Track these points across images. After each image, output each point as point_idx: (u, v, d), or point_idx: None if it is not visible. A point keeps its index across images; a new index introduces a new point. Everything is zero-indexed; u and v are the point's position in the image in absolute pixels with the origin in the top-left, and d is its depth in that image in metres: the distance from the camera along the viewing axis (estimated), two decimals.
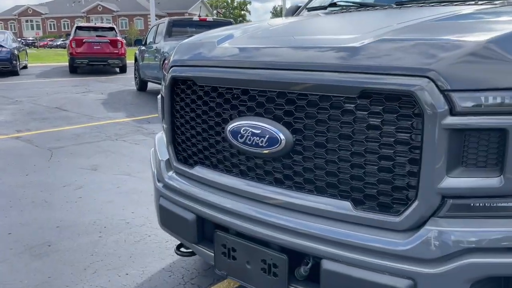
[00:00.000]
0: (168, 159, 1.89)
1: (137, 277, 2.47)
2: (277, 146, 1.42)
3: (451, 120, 1.17)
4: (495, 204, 1.22)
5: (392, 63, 1.25)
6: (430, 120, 1.18)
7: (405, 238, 1.25)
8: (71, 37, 15.59)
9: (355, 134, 1.31)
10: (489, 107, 1.16)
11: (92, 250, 2.78)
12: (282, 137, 1.41)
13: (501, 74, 1.17)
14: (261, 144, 1.45)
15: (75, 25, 16.39)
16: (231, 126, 1.53)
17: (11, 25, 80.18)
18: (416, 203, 1.24)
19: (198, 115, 1.70)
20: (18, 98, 9.71)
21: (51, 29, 79.52)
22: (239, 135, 1.50)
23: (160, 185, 1.90)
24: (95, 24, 18.88)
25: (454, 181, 1.21)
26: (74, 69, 15.72)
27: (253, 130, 1.47)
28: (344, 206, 1.35)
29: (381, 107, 1.26)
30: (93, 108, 8.52)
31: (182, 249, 1.92)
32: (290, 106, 1.41)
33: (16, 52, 15.04)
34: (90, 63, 15.50)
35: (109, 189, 3.91)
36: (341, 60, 1.33)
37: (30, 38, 66.53)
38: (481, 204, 1.22)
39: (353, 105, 1.30)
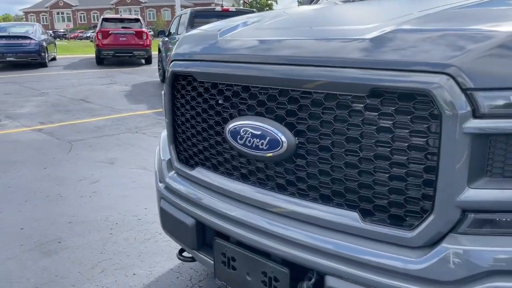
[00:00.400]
0: (170, 159, 1.79)
1: (144, 278, 2.40)
2: (279, 149, 1.29)
3: (474, 123, 1.01)
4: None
5: (406, 57, 1.09)
6: (449, 123, 1.02)
7: (419, 256, 1.10)
8: (97, 29, 15.74)
9: (364, 137, 1.17)
10: None
11: (102, 248, 2.73)
12: (284, 139, 1.28)
13: None
14: (261, 147, 1.33)
15: (102, 17, 16.53)
16: (231, 126, 1.41)
17: (43, 17, 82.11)
18: (432, 216, 1.09)
19: (198, 113, 1.59)
20: (45, 89, 9.85)
21: (81, 21, 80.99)
22: (239, 136, 1.38)
23: (161, 186, 1.81)
24: (121, 15, 18.98)
25: (477, 193, 1.05)
26: (101, 60, 15.88)
27: (253, 131, 1.34)
28: (351, 217, 1.21)
29: (393, 108, 1.11)
30: (116, 100, 8.54)
31: (184, 254, 1.82)
32: (293, 105, 1.27)
33: (44, 44, 15.29)
34: (116, 54, 15.62)
35: (124, 184, 3.86)
36: (349, 54, 1.18)
37: (61, 30, 67.87)
38: (508, 220, 1.06)
39: (362, 105, 1.15)
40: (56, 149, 4.99)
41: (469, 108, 1.02)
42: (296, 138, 1.28)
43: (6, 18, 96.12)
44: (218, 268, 1.53)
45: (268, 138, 1.31)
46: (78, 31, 66.78)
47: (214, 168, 1.58)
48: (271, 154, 1.31)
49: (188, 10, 9.86)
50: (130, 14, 49.00)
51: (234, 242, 1.47)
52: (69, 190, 3.72)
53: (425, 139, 1.08)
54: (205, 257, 1.62)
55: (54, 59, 18.04)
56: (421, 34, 1.14)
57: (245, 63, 1.38)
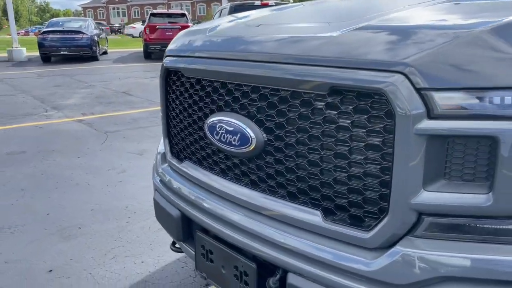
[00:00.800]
0: (164, 152, 1.84)
1: (151, 266, 2.49)
2: (248, 146, 1.31)
3: (428, 124, 0.98)
4: (481, 226, 1.01)
5: (363, 56, 1.07)
6: (402, 123, 1.00)
7: (374, 257, 1.08)
8: (145, 24, 16.22)
9: (325, 136, 1.16)
10: (476, 110, 0.96)
11: (117, 235, 2.85)
12: (253, 136, 1.29)
13: (493, 71, 0.96)
14: (234, 143, 1.35)
15: (150, 12, 17.01)
16: (209, 121, 1.44)
17: (99, 12, 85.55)
18: (387, 218, 1.06)
19: (185, 108, 1.63)
20: (92, 82, 10.30)
21: (135, 15, 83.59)
22: (215, 131, 1.41)
23: (156, 178, 1.87)
24: (167, 10, 19.44)
25: (433, 196, 1.02)
26: (148, 54, 16.36)
27: (227, 127, 1.36)
28: (314, 216, 1.20)
29: (352, 107, 1.09)
30: (156, 93, 8.75)
31: (177, 245, 1.88)
32: (263, 102, 1.28)
33: (96, 38, 15.96)
34: (162, 49, 16.00)
35: (149, 174, 3.97)
36: (312, 52, 1.17)
37: (116, 25, 70.39)
38: (466, 225, 1.03)
39: (323, 103, 1.15)
40: (92, 140, 5.22)
41: (423, 109, 0.99)
42: (265, 135, 1.29)
43: (66, 13, 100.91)
44: (198, 260, 1.57)
45: (239, 134, 1.32)
46: (131, 25, 68.95)
47: (199, 163, 1.62)
48: (242, 150, 1.33)
49: (228, 4, 9.95)
50: (181, 9, 50.02)
51: (212, 235, 1.50)
52: (97, 179, 3.90)
53: (381, 139, 1.06)
54: (189, 249, 1.66)
55: (105, 53, 18.77)
56: (380, 33, 1.11)
57: (221, 60, 1.40)
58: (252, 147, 1.30)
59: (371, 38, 1.11)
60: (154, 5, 75.10)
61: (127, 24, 68.21)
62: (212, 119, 1.42)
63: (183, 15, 16.87)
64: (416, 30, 1.07)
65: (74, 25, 16.22)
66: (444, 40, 1.00)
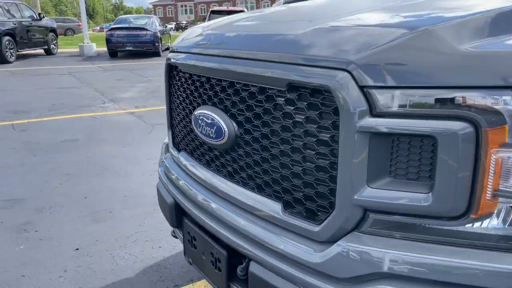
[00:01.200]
0: (168, 143, 1.95)
1: (167, 251, 2.62)
2: (222, 138, 1.37)
3: (370, 121, 1.00)
4: (422, 226, 1.01)
5: (316, 54, 1.10)
6: (346, 120, 1.02)
7: (321, 250, 1.11)
8: (206, 21, 16.64)
9: (284, 131, 1.20)
10: (414, 109, 0.96)
11: (142, 221, 3.02)
12: (226, 129, 1.35)
13: (432, 70, 0.95)
14: (211, 135, 1.42)
15: (210, 10, 17.42)
16: (194, 114, 1.52)
17: (168, 10, 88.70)
18: (334, 212, 1.09)
19: (180, 102, 1.72)
20: (151, 77, 10.78)
21: (201, 13, 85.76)
22: (198, 124, 1.49)
23: (159, 168, 1.98)
24: (227, 8, 19.80)
25: (377, 193, 1.03)
26: None
27: (206, 120, 1.43)
28: (275, 208, 1.25)
29: (306, 103, 1.13)
30: None
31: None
32: (235, 97, 1.34)
33: (159, 35, 16.62)
34: None
35: None
36: (273, 49, 1.21)
37: (183, 22, 72.66)
38: (408, 224, 1.03)
39: (283, 99, 1.18)
40: (139, 131, 5.51)
41: (366, 106, 1.00)
42: (236, 128, 1.34)
43: (137, 11, 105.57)
44: (185, 245, 1.66)
45: (215, 127, 1.39)
46: (198, 22, 70.77)
47: (190, 154, 1.70)
48: (217, 143, 1.40)
49: (282, 1, 9.98)
50: (246, 6, 50.58)
51: (195, 223, 1.58)
52: (136, 167, 4.13)
53: (329, 135, 1.08)
54: (181, 235, 1.76)
55: (167, 49, 19.50)
56: (333, 32, 1.14)
57: (204, 56, 1.48)
58: (225, 140, 1.36)
59: (325, 37, 1.13)
60: (220, 3, 76.61)
61: (193, 21, 70.17)
62: (197, 112, 1.50)
63: (242, 12, 17.08)
64: (364, 31, 1.08)
65: (139, 22, 17.00)
66: (386, 40, 1.00)
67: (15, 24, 14.14)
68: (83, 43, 17.01)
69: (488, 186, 0.94)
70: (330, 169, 1.10)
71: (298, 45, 1.16)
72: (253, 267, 1.27)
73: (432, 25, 0.99)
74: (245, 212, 1.35)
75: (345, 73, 1.02)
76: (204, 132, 1.46)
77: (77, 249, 2.67)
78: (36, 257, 2.58)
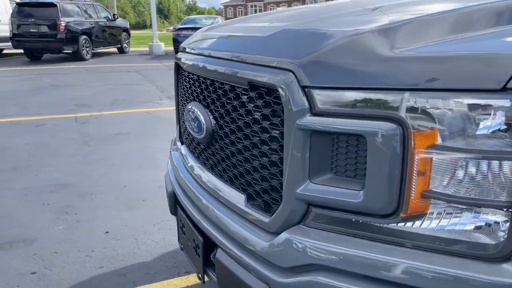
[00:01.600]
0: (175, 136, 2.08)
1: None
2: (202, 133, 1.47)
3: (310, 120, 1.05)
4: (357, 222, 1.04)
5: (269, 54, 1.16)
6: (289, 118, 1.08)
7: (269, 240, 1.17)
8: None
9: (247, 127, 1.27)
10: (348, 109, 1.00)
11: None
12: (204, 123, 1.45)
13: (365, 73, 0.98)
14: (195, 129, 1.52)
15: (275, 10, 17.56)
16: (187, 109, 1.63)
17: (239, 10, 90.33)
18: (281, 205, 1.15)
19: (181, 98, 1.84)
20: None
21: None
22: (187, 118, 1.60)
23: (168, 159, 2.12)
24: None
25: (319, 188, 1.08)
26: None
27: (191, 115, 1.54)
28: (240, 200, 1.33)
29: (262, 101, 1.19)
30: None
31: None
32: (213, 94, 1.43)
33: None
34: None
35: None
36: (240, 50, 1.29)
37: None
38: (345, 219, 1.06)
39: (246, 97, 1.26)
40: None
41: (306, 105, 1.05)
42: (213, 124, 1.44)
43: (209, 11, 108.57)
44: (178, 232, 1.78)
45: (197, 122, 1.49)
46: None
47: (187, 146, 1.82)
48: (199, 136, 1.50)
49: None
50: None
51: (184, 211, 1.69)
52: None
53: (279, 132, 1.15)
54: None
55: None
56: (288, 35, 1.19)
57: (195, 55, 1.59)
58: (204, 134, 1.46)
59: (278, 40, 1.19)
60: (289, 3, 76.70)
61: None
62: (187, 107, 1.61)
63: None
64: (308, 35, 1.13)
65: (205, 22, 17.56)
66: (323, 45, 1.05)
67: (92, 24, 15.20)
68: (152, 42, 17.88)
69: (415, 186, 0.96)
70: (280, 164, 1.16)
71: (257, 47, 1.23)
72: (219, 254, 1.36)
73: (363, 31, 1.02)
74: (218, 202, 1.44)
75: (290, 74, 1.07)
76: (190, 126, 1.57)
77: (107, 232, 2.89)
78: (71, 237, 2.84)
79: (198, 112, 1.48)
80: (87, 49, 14.85)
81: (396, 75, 0.95)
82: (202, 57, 1.52)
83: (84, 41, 14.59)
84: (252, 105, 1.23)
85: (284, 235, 1.13)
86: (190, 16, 19.36)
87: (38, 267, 2.49)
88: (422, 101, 0.93)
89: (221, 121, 1.39)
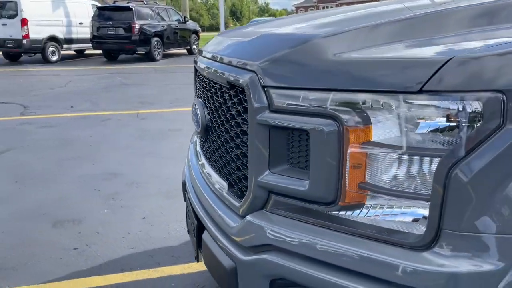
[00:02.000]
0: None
1: None
2: (199, 126, 1.64)
3: (268, 116, 1.18)
4: (306, 208, 1.16)
5: (243, 57, 1.31)
6: (252, 114, 1.22)
7: (238, 223, 1.32)
8: None
9: (226, 122, 1.42)
10: (297, 106, 1.12)
11: None
12: (200, 117, 1.62)
13: (310, 74, 1.10)
14: (195, 123, 1.70)
15: None
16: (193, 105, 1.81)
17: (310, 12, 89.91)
18: (247, 192, 1.29)
19: (195, 96, 2.03)
20: None
21: None
22: (192, 113, 1.77)
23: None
24: None
25: (277, 178, 1.21)
26: None
27: (194, 110, 1.71)
28: (224, 187, 1.48)
29: (236, 99, 1.34)
30: None
31: None
32: (208, 92, 1.60)
33: None
34: None
35: None
36: (226, 53, 1.44)
37: None
38: (296, 206, 1.18)
39: (227, 95, 1.41)
40: None
41: (265, 103, 1.19)
42: (207, 119, 1.60)
43: (280, 13, 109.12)
44: (186, 216, 1.97)
45: (196, 117, 1.67)
46: None
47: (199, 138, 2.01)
48: (198, 130, 1.67)
49: None
50: None
51: (188, 197, 1.88)
52: None
53: (247, 126, 1.28)
54: None
55: None
56: (262, 39, 1.32)
57: (202, 57, 1.76)
58: (200, 127, 1.63)
59: (256, 43, 1.33)
60: (361, 3, 74.92)
61: None
62: (193, 103, 1.79)
63: None
64: (273, 40, 1.26)
65: None
66: (279, 49, 1.18)
67: (164, 26, 16.03)
68: None
69: (350, 178, 1.06)
70: (248, 155, 1.30)
71: (240, 50, 1.38)
72: (205, 235, 1.52)
73: (310, 38, 1.13)
74: (210, 190, 1.60)
75: (253, 74, 1.21)
76: (193, 120, 1.74)
77: (144, 218, 3.17)
78: (113, 220, 3.15)
79: (198, 108, 1.66)
80: (159, 50, 15.68)
81: (333, 77, 1.06)
82: (204, 59, 1.69)
83: (156, 42, 15.43)
84: (230, 102, 1.38)
85: (248, 218, 1.27)
86: (256, 18, 19.76)
87: (80, 244, 2.80)
88: (356, 100, 1.03)
89: (211, 117, 1.55)
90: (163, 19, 16.38)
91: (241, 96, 1.31)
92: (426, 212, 0.98)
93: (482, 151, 0.91)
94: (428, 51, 1.01)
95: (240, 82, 1.26)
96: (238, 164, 1.38)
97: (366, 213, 1.08)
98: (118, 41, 14.97)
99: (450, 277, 0.94)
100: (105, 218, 3.19)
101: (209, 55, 1.63)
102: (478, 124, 0.91)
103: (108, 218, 3.18)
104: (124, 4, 15.16)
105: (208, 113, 1.59)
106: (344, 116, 1.04)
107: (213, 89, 1.55)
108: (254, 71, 1.21)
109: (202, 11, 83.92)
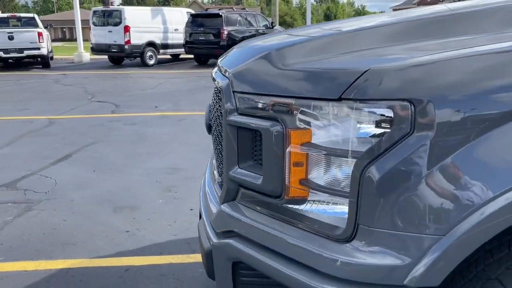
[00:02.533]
0: None
1: None
2: (209, 128, 1.84)
3: (235, 117, 1.35)
4: (261, 201, 1.31)
5: (225, 65, 1.49)
6: (225, 116, 1.39)
7: (216, 211, 1.49)
8: None
9: (216, 121, 1.61)
10: (254, 110, 1.28)
11: None
12: (206, 119, 1.82)
13: (265, 82, 1.25)
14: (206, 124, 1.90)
15: None
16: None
17: None
18: (223, 184, 1.46)
19: None
20: None
21: None
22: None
23: None
24: None
25: (243, 173, 1.37)
26: None
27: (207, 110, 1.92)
28: (217, 180, 1.67)
29: (220, 101, 1.52)
30: None
31: None
32: (215, 95, 1.79)
33: None
34: None
35: None
36: (225, 62, 1.62)
37: None
38: (256, 198, 1.33)
39: (220, 97, 1.59)
40: None
41: (234, 106, 1.36)
42: (209, 118, 1.80)
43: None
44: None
45: (205, 116, 1.87)
46: None
47: None
48: (207, 130, 1.88)
49: None
50: None
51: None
52: None
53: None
54: None
55: None
56: (244, 50, 1.48)
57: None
58: (205, 126, 1.83)
59: (235, 54, 1.50)
60: None
61: None
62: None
63: None
64: (247, 50, 1.42)
65: None
66: (245, 60, 1.34)
67: (251, 32, 16.56)
68: None
69: (291, 175, 1.19)
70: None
71: (233, 59, 1.55)
72: (199, 222, 1.72)
73: (266, 51, 1.28)
74: (211, 183, 1.80)
75: (228, 81, 1.39)
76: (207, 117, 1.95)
77: (192, 209, 3.46)
78: (164, 209, 3.49)
79: (205, 110, 1.86)
80: None
81: (278, 85, 1.20)
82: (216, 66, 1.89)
83: None
84: (220, 103, 1.57)
85: (222, 207, 1.44)
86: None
87: (132, 228, 3.16)
88: (295, 106, 1.16)
89: (211, 118, 1.75)
90: (251, 25, 16.93)
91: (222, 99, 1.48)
92: (345, 208, 1.08)
93: (392, 154, 0.99)
94: (354, 63, 1.10)
95: (220, 86, 1.44)
96: (221, 160, 1.55)
97: (308, 207, 1.20)
98: (207, 46, 15.79)
99: (359, 269, 1.03)
100: (158, 207, 3.53)
101: (217, 63, 1.83)
102: (389, 130, 1.00)
103: (161, 208, 3.52)
104: (215, 11, 15.96)
105: (210, 114, 1.79)
106: (286, 119, 1.17)
107: (214, 95, 1.74)
108: (228, 78, 1.39)
109: (296, 15, 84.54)
